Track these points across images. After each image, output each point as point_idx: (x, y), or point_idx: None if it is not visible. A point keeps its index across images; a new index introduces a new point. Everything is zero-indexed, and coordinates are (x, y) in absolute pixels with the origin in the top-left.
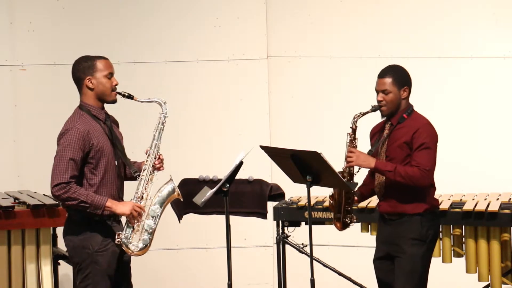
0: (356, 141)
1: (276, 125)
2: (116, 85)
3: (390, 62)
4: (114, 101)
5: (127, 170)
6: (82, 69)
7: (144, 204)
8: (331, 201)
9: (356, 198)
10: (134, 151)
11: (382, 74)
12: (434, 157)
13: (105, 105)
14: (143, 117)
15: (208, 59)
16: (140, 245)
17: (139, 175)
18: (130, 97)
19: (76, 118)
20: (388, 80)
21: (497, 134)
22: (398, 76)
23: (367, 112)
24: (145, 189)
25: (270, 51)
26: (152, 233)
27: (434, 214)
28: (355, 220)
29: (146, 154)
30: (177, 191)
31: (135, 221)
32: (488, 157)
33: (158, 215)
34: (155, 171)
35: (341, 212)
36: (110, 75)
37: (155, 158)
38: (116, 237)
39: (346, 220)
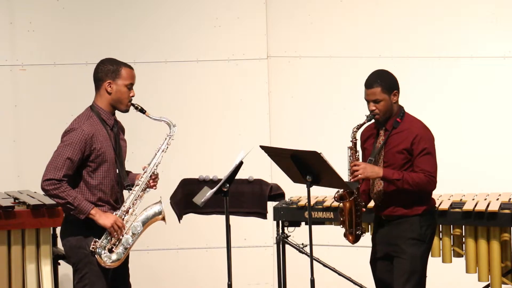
0: (357, 154)
1: (276, 125)
2: (133, 96)
3: (390, 62)
4: (126, 111)
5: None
6: (106, 71)
7: (128, 219)
8: (342, 218)
9: (364, 209)
10: (134, 151)
11: (369, 84)
12: (436, 160)
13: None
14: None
15: (208, 59)
16: (114, 257)
17: (131, 189)
18: (142, 111)
19: (84, 118)
20: (377, 89)
21: (497, 134)
22: (386, 83)
23: (363, 124)
24: (133, 204)
25: (270, 51)
26: (127, 249)
27: (432, 214)
28: (365, 231)
29: (143, 170)
30: (163, 214)
31: (115, 235)
32: (488, 157)
33: (138, 233)
34: (147, 188)
35: (353, 226)
36: (131, 85)
37: (150, 176)
38: (92, 244)
39: (358, 232)
